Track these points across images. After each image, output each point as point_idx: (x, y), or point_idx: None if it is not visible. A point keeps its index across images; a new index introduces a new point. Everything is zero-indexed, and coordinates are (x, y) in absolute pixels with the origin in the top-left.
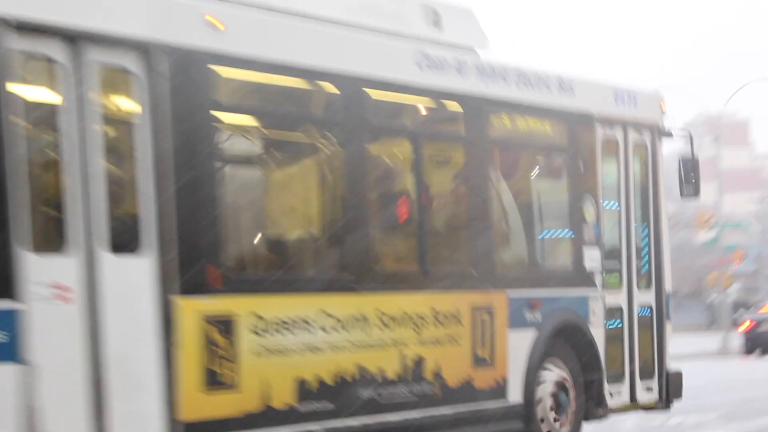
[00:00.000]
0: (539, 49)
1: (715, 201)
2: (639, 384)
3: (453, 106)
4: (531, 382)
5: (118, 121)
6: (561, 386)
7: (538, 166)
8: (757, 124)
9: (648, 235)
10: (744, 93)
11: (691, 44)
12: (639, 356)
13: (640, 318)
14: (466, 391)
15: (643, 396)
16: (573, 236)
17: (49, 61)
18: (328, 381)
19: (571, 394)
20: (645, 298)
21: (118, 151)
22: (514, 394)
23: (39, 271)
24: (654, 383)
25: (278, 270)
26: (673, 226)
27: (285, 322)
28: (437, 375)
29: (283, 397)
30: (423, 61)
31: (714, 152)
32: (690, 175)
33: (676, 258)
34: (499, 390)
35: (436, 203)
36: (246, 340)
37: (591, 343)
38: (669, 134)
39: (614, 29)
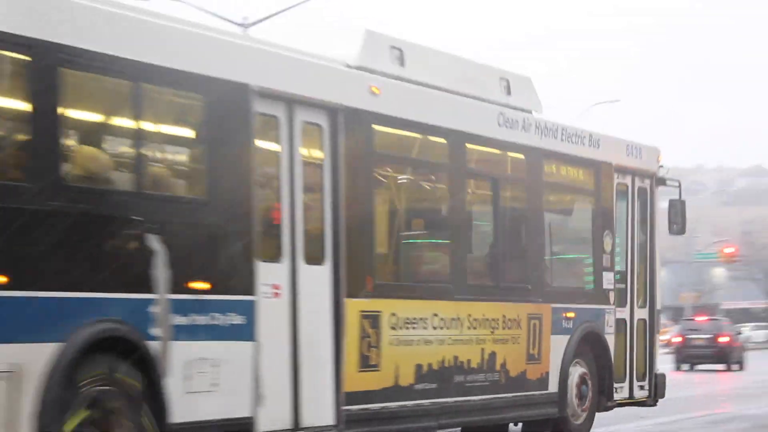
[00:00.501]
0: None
1: None
2: (636, 383)
3: (518, 156)
4: (564, 376)
5: (312, 164)
6: (583, 380)
7: (574, 205)
8: None
9: (645, 262)
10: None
11: None
12: (636, 360)
13: (638, 329)
14: (521, 381)
15: (638, 393)
16: (595, 262)
17: (275, 118)
18: (435, 367)
19: (590, 387)
20: (641, 313)
21: (311, 186)
22: (553, 385)
23: (265, 274)
24: (646, 383)
25: (408, 282)
26: None
27: (410, 320)
28: (503, 367)
29: (407, 377)
30: (501, 120)
31: None
32: (678, 216)
33: None
34: (543, 381)
35: (507, 234)
36: (386, 333)
37: (606, 348)
38: (663, 182)
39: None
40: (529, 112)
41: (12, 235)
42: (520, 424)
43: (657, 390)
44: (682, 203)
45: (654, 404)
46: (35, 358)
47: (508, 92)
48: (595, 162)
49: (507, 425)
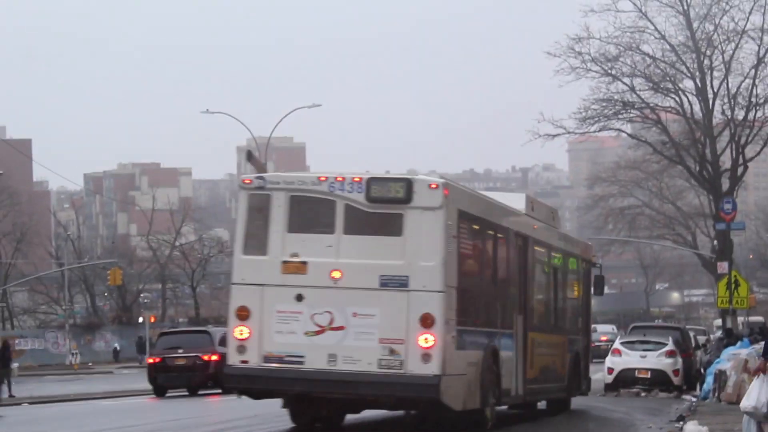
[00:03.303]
0: None
1: None
2: (585, 382)
3: (559, 255)
4: (570, 376)
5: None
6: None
7: (574, 281)
8: (313, 149)
9: (587, 310)
10: (301, 120)
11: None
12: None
13: (584, 348)
14: (559, 379)
15: (585, 388)
16: (578, 312)
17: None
18: (543, 364)
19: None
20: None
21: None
22: (566, 381)
23: None
24: (585, 382)
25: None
26: (229, 253)
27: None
28: (554, 368)
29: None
30: (558, 237)
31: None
32: (599, 283)
33: (228, 286)
34: (563, 378)
35: (557, 296)
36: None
37: (582, 359)
38: (594, 264)
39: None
40: (558, 229)
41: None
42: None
43: (589, 387)
44: (602, 277)
45: (586, 394)
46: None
47: (554, 219)
48: (579, 255)
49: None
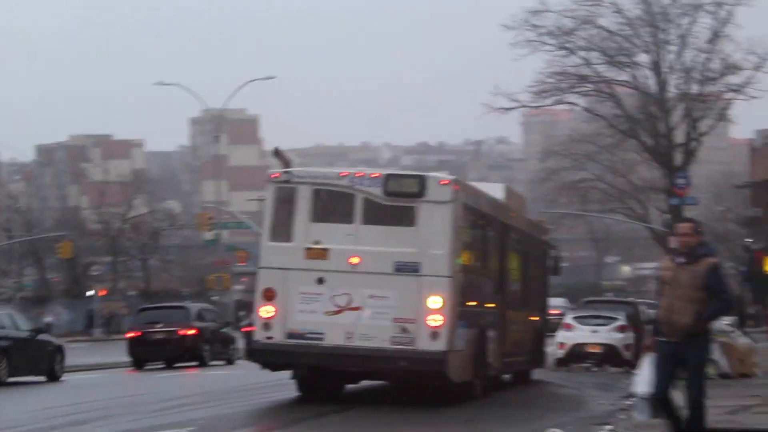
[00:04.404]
0: None
1: (224, 200)
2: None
3: (527, 240)
4: (533, 350)
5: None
6: None
7: (536, 262)
8: (267, 121)
9: (545, 289)
10: (254, 92)
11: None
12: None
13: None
14: (525, 353)
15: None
16: (540, 291)
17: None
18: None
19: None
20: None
21: None
22: (530, 354)
23: None
24: (543, 356)
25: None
26: (180, 227)
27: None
28: (523, 342)
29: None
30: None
31: (225, 150)
32: (556, 265)
33: (179, 259)
34: (528, 352)
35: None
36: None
37: (541, 334)
38: (553, 247)
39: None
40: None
41: None
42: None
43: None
44: (559, 258)
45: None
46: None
47: (544, 233)
48: (542, 240)
49: None
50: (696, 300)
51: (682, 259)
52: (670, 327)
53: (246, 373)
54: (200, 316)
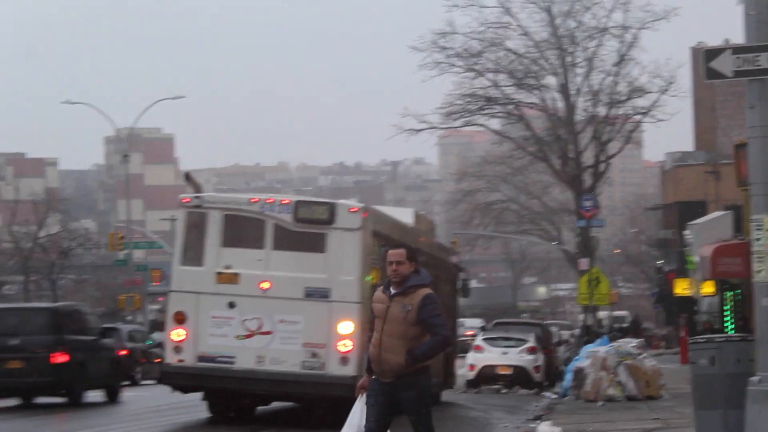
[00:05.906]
0: None
1: (140, 219)
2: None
3: (436, 263)
4: (443, 372)
5: None
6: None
7: (446, 285)
8: (183, 141)
9: (455, 311)
10: (170, 111)
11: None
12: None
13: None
14: (436, 374)
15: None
16: (450, 313)
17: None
18: None
19: None
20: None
21: None
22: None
23: None
24: (451, 377)
25: None
26: (92, 246)
27: None
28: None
29: None
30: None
31: (140, 169)
32: (466, 287)
33: (93, 278)
34: (439, 374)
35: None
36: None
37: (450, 356)
38: (461, 269)
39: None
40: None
41: None
42: None
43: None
44: (468, 281)
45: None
46: None
47: (453, 253)
48: (452, 263)
49: None
50: (408, 336)
51: (394, 291)
52: (380, 366)
53: (154, 394)
54: (131, 338)
